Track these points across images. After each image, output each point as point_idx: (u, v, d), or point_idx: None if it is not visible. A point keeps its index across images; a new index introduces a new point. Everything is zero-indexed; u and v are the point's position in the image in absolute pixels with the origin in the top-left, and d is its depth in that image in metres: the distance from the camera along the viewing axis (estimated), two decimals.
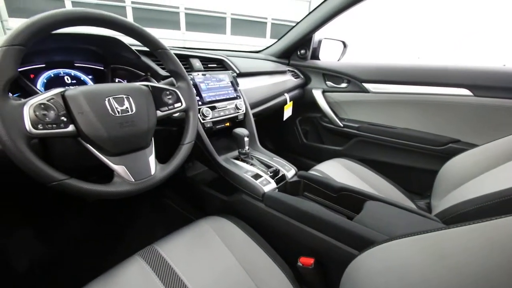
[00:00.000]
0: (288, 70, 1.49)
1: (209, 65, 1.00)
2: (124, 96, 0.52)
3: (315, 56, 1.55)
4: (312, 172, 1.01)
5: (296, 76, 1.51)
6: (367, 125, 1.36)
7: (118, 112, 0.51)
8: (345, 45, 1.58)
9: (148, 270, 0.57)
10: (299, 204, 0.68)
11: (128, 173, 0.51)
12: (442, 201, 0.92)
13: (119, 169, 0.51)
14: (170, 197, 1.14)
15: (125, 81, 0.77)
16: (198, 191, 1.00)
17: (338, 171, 1.09)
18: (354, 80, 1.37)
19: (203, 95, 0.87)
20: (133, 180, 0.52)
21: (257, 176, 0.79)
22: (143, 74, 0.77)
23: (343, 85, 1.42)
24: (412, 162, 1.26)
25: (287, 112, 1.40)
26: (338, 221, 0.60)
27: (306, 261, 0.62)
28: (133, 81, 0.73)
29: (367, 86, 1.34)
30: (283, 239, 0.70)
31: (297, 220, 0.67)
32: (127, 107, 0.52)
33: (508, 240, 0.35)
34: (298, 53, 1.52)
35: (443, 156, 1.12)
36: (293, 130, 1.66)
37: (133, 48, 0.72)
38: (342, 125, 1.42)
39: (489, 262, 0.33)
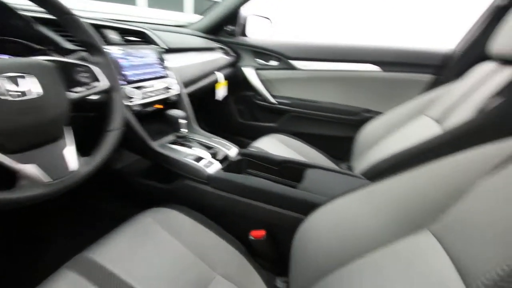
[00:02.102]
0: (218, 47, 1.42)
1: (127, 38, 0.86)
2: (19, 74, 0.40)
3: (243, 33, 1.53)
4: (250, 149, 1.03)
5: (226, 53, 1.46)
6: (297, 101, 1.44)
7: (13, 95, 0.39)
8: (270, 22, 1.60)
9: (83, 282, 0.49)
10: (245, 181, 0.68)
11: (43, 171, 0.41)
12: (361, 162, 1.08)
13: (27, 168, 0.40)
14: (96, 196, 0.99)
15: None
16: (131, 184, 0.89)
17: (274, 146, 1.14)
18: (282, 57, 1.42)
19: (125, 73, 0.75)
20: (51, 180, 0.42)
21: (199, 159, 0.75)
22: (41, 47, 0.61)
23: (273, 62, 1.46)
24: (335, 132, 1.42)
25: (221, 91, 1.36)
26: (283, 190, 0.64)
27: (257, 233, 0.64)
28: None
29: (295, 63, 1.41)
30: (232, 217, 0.70)
31: (244, 197, 0.67)
32: (25, 90, 0.41)
33: (417, 185, 0.44)
34: (226, 29, 1.47)
35: (358, 124, 1.29)
36: (228, 110, 1.64)
37: (25, 14, 0.56)
38: (275, 102, 1.47)
39: (412, 200, 0.41)
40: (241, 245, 0.65)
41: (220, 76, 1.32)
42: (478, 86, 0.81)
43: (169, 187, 0.80)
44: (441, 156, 0.72)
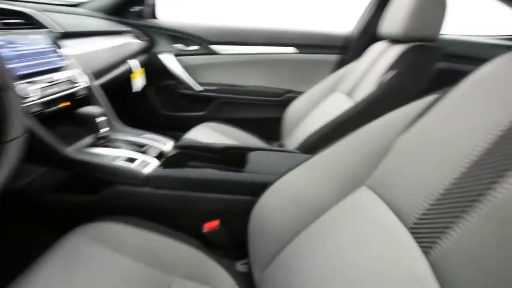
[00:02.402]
0: (126, 30, 1.25)
1: (6, 22, 0.66)
2: None
3: (153, 14, 1.39)
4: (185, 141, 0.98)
5: (138, 38, 1.30)
6: (224, 87, 1.42)
7: None
8: (181, 2, 1.50)
9: None
10: (189, 174, 0.65)
11: None
12: (291, 139, 1.17)
13: None
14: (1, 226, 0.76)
15: None
16: (42, 204, 0.73)
17: (207, 135, 1.11)
18: (203, 42, 1.36)
19: (12, 66, 0.58)
20: None
21: (131, 160, 0.67)
22: None
23: (193, 47, 1.38)
24: (263, 114, 1.48)
25: (138, 81, 1.22)
26: (232, 176, 0.64)
27: (211, 225, 0.63)
28: None
29: (216, 47, 1.37)
30: (181, 214, 0.67)
31: (191, 190, 0.64)
32: None
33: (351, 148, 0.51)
34: (133, 9, 1.30)
35: (284, 104, 1.38)
36: (149, 102, 1.49)
37: None
38: (201, 89, 1.42)
39: (348, 165, 0.47)
40: (195, 240, 0.62)
41: (135, 64, 1.17)
42: (375, 63, 0.97)
43: (97, 198, 0.69)
44: (356, 124, 0.85)
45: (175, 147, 0.79)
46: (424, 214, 0.33)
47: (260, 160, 0.71)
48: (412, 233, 0.33)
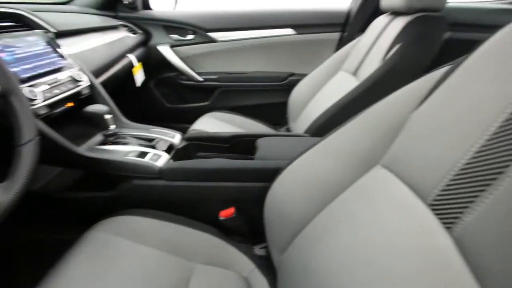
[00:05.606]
0: (120, 24, 1.23)
1: None
2: None
3: (146, 5, 1.35)
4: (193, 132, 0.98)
5: (132, 31, 1.27)
6: (224, 75, 1.41)
7: None
8: None
9: None
10: (202, 165, 0.65)
11: None
12: (298, 123, 1.16)
13: None
14: (22, 227, 0.78)
15: None
16: (60, 202, 0.74)
17: (213, 125, 1.11)
18: (199, 30, 1.33)
19: (14, 70, 0.58)
20: None
21: (143, 155, 0.67)
22: None
23: (189, 37, 1.35)
24: (267, 99, 1.47)
25: (139, 75, 1.20)
26: (244, 164, 0.64)
27: (226, 213, 0.64)
28: None
29: (213, 35, 1.34)
30: (197, 204, 0.68)
31: (205, 181, 0.65)
32: None
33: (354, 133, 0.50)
34: (125, 2, 1.27)
35: (287, 88, 1.36)
36: (151, 96, 1.48)
37: None
38: (202, 79, 1.40)
39: (360, 145, 0.47)
40: (212, 228, 0.64)
41: (133, 58, 1.16)
42: (378, 39, 0.94)
43: (113, 193, 0.70)
44: (363, 103, 0.83)
45: (183, 139, 0.80)
46: (444, 190, 0.32)
47: (269, 146, 0.71)
48: (433, 209, 0.33)
